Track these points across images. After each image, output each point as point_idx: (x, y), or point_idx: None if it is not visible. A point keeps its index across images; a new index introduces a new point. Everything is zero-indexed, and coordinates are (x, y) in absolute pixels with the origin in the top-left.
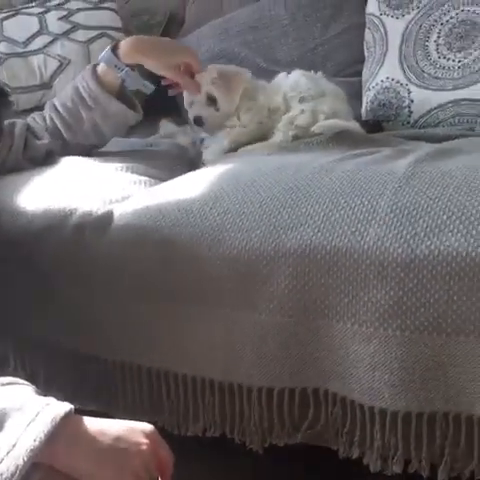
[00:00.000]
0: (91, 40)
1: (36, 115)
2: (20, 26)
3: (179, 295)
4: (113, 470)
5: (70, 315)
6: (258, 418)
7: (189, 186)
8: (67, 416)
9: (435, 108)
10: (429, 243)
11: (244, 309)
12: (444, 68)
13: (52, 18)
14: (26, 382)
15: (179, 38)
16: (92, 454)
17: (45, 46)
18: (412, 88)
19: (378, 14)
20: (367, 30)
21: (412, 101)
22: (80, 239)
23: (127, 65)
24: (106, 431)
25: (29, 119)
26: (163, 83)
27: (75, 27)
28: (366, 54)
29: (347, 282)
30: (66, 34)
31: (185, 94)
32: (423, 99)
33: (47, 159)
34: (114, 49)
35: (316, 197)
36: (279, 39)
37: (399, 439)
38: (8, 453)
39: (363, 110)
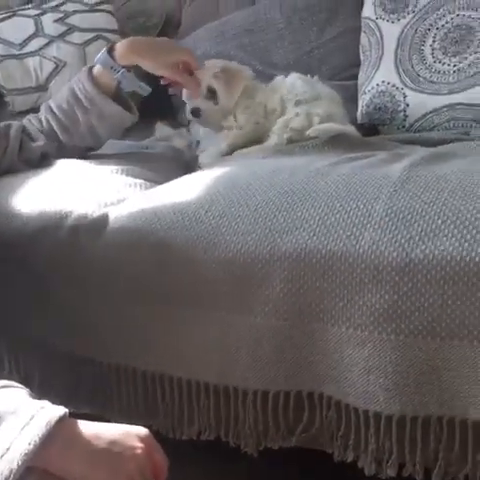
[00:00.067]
0: (87, 42)
1: (32, 117)
2: (16, 28)
3: (174, 298)
4: (108, 474)
5: (65, 317)
6: (253, 421)
7: (185, 189)
8: (62, 420)
9: (430, 112)
10: (424, 247)
11: (239, 312)
12: (439, 72)
13: (48, 20)
14: (20, 385)
15: (175, 40)
16: (86, 458)
17: (41, 48)
18: (407, 92)
19: (374, 18)
20: (363, 34)
21: (407, 105)
22: (75, 241)
23: (123, 66)
24: (101, 435)
25: (25, 121)
26: (162, 83)
27: (71, 29)
28: (362, 58)
29: (342, 286)
30: (62, 36)
31: (184, 89)
32: (418, 103)
33: (42, 161)
34: (110, 51)
35: (311, 201)
36: (275, 42)
37: (393, 443)
38: (2, 457)
39: (359, 114)
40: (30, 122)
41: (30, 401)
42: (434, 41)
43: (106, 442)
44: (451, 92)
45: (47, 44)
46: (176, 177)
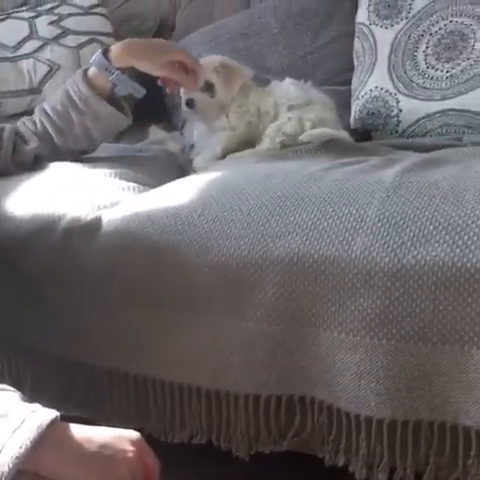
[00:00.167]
0: (81, 45)
1: (26, 119)
2: (10, 30)
3: (167, 302)
4: (99, 477)
5: (58, 321)
6: (244, 425)
7: (178, 193)
8: (53, 423)
9: (423, 118)
10: (416, 253)
11: (232, 316)
12: (432, 78)
13: (42, 23)
14: (12, 388)
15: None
16: (78, 461)
17: (35, 51)
18: (400, 98)
19: (368, 24)
20: (356, 39)
21: (400, 110)
22: (68, 244)
23: (118, 68)
24: (92, 438)
25: (18, 123)
26: (159, 83)
27: (65, 32)
28: (355, 63)
29: (334, 291)
30: (56, 39)
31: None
32: (411, 109)
33: (36, 164)
34: (105, 53)
35: (304, 206)
36: (269, 47)
37: (384, 447)
38: None
39: (352, 119)
40: (24, 124)
41: (21, 404)
42: (427, 47)
43: (98, 445)
44: (444, 98)
45: (41, 47)
46: (170, 180)
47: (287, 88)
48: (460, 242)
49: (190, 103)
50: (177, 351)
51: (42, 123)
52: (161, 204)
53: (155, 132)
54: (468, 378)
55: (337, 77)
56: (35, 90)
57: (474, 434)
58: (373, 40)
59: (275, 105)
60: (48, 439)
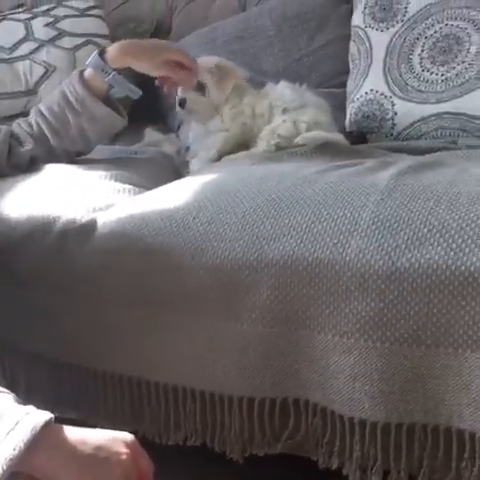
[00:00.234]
0: (77, 47)
1: (21, 121)
2: (6, 32)
3: (162, 304)
4: (93, 479)
5: (52, 323)
6: (239, 428)
7: (173, 195)
8: (47, 425)
9: (418, 121)
10: (410, 256)
11: (226, 319)
12: (427, 81)
13: (38, 24)
14: (6, 390)
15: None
16: (72, 463)
17: (31, 52)
18: (396, 100)
19: (363, 27)
20: (352, 42)
21: (396, 113)
22: (63, 246)
23: (114, 69)
24: (87, 440)
25: (14, 125)
26: (157, 83)
27: (61, 34)
28: (351, 66)
29: (328, 293)
30: (52, 41)
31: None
32: (406, 112)
33: (31, 166)
34: (101, 54)
35: (299, 208)
36: (265, 49)
37: (378, 450)
38: None
39: (347, 121)
40: (20, 126)
41: (15, 406)
42: (422, 50)
43: (92, 448)
44: (439, 101)
45: (37, 48)
46: (165, 183)
47: (282, 91)
48: (454, 245)
49: (182, 103)
50: (172, 353)
51: (38, 124)
52: (156, 206)
53: (150, 134)
54: (462, 381)
55: (333, 80)
56: (31, 92)
57: (468, 437)
58: (368, 43)
59: (270, 108)
60: (42, 441)
